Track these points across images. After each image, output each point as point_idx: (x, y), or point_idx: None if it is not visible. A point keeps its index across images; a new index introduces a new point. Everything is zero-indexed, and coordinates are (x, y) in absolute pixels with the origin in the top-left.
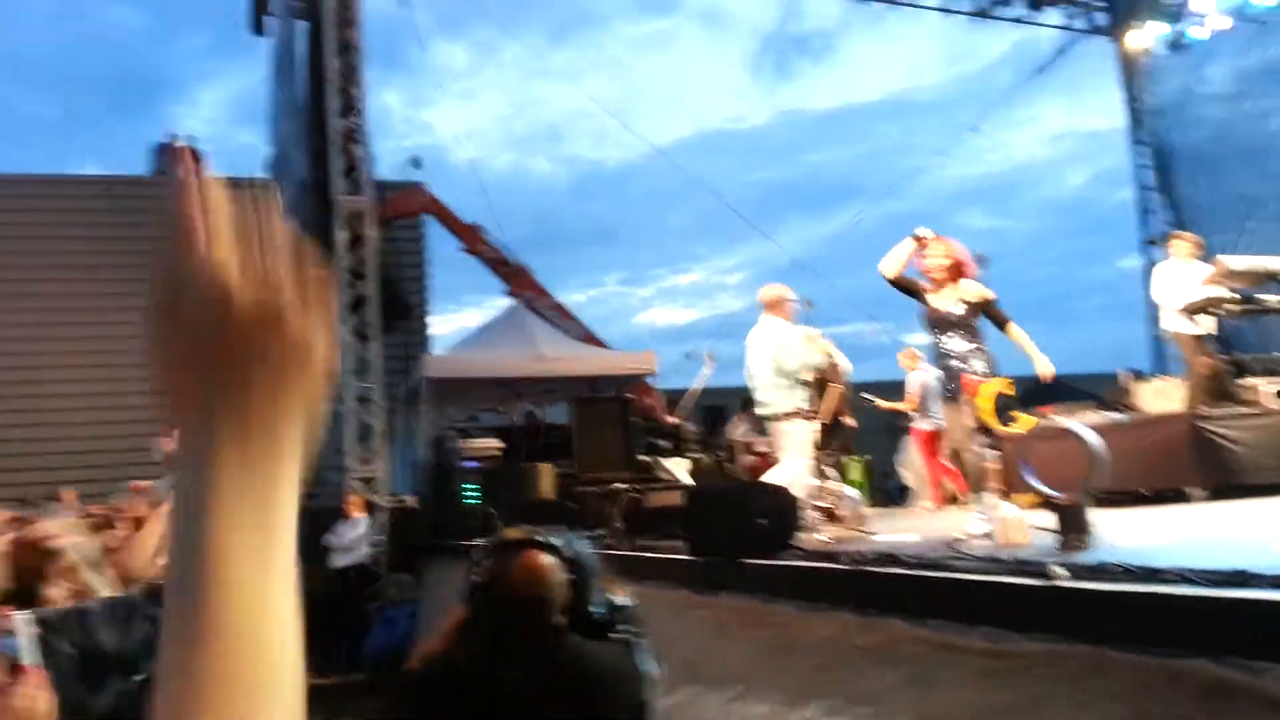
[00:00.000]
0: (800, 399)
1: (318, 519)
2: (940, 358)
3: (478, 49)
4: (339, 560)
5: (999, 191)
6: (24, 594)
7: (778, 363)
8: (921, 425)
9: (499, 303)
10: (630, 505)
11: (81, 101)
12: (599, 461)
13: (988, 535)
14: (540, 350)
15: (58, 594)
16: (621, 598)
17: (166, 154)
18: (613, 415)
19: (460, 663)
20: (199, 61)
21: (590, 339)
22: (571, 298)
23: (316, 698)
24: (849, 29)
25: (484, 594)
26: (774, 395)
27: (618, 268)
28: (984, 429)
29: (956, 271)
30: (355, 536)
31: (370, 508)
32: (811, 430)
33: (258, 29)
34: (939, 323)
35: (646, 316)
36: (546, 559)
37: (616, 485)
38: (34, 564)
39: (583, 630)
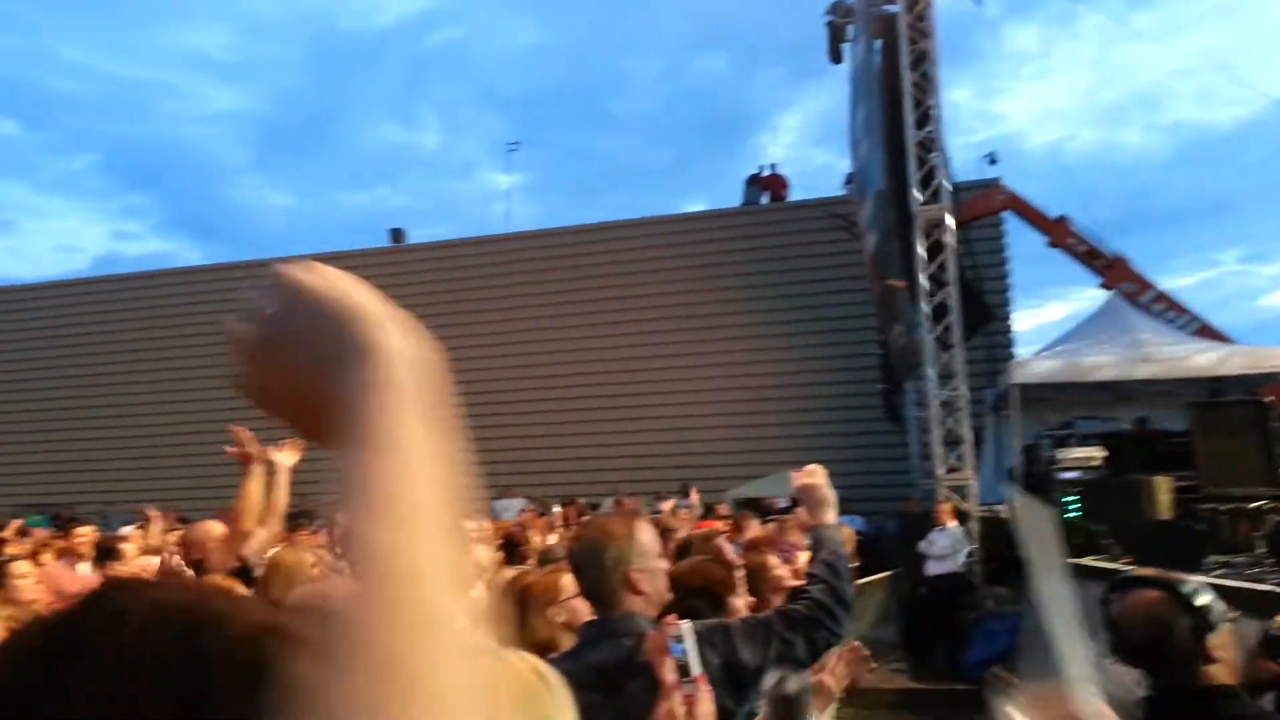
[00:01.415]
0: None
1: (911, 524)
2: None
3: (1051, 24)
4: (933, 568)
5: None
6: (717, 601)
7: None
8: None
9: (1088, 294)
10: (1277, 528)
11: (687, 146)
12: (1229, 475)
13: None
14: (1146, 348)
15: (740, 605)
16: None
17: (755, 184)
18: (1246, 420)
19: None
20: (777, 91)
21: (1206, 331)
22: (1177, 283)
23: (918, 702)
24: None
25: (1111, 634)
26: None
27: (1235, 243)
28: None
29: None
30: (947, 545)
31: (961, 516)
32: None
33: (835, 58)
34: None
35: (1276, 299)
36: (1157, 599)
37: (1256, 504)
38: (722, 577)
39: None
